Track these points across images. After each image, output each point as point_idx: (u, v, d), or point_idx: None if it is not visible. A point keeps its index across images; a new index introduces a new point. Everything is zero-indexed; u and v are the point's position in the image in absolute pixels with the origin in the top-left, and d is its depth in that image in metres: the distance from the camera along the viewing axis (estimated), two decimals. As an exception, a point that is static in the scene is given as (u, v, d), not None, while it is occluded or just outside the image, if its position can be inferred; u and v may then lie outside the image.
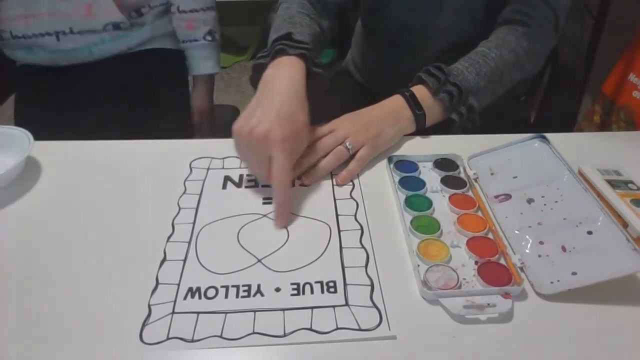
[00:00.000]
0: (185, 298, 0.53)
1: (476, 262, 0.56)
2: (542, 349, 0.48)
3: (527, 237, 0.59)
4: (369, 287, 0.54)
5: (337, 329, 0.49)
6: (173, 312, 0.51)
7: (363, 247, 0.59)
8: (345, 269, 0.56)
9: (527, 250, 0.57)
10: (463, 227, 0.61)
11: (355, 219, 0.63)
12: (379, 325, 0.50)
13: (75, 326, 0.50)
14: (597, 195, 0.67)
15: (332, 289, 0.54)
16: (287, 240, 0.60)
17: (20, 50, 1.02)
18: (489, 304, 0.51)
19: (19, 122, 0.72)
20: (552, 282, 0.53)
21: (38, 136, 0.71)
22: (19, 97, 1.09)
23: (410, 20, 0.90)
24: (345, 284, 0.54)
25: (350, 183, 0.69)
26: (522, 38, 0.80)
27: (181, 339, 0.48)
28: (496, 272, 0.55)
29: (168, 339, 0.48)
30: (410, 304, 0.52)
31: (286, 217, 0.62)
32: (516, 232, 0.60)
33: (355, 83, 1.10)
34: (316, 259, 0.57)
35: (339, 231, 0.61)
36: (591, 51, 1.43)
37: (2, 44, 1.03)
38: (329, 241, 0.60)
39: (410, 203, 0.64)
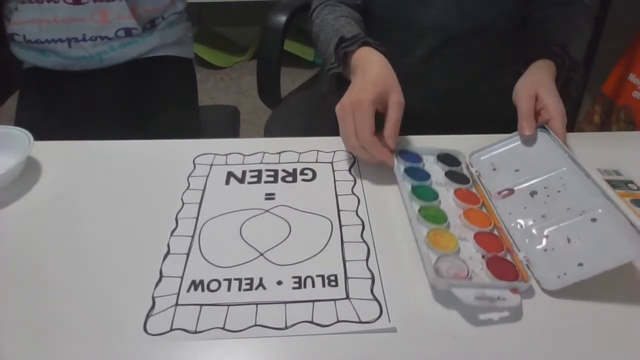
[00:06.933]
0: (188, 290, 0.53)
1: (483, 256, 0.57)
2: (541, 347, 0.49)
3: (532, 231, 0.59)
4: (370, 280, 0.55)
5: (338, 321, 0.50)
6: (176, 304, 0.52)
7: (364, 241, 0.60)
8: (347, 263, 0.57)
9: (532, 246, 0.58)
10: (469, 221, 0.61)
11: (357, 214, 0.64)
12: (379, 317, 0.50)
13: (80, 318, 0.51)
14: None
15: (333, 283, 0.54)
16: (289, 235, 0.61)
17: (33, 52, 1.03)
18: (499, 298, 0.51)
19: (21, 125, 0.72)
20: (558, 277, 0.53)
21: (41, 139, 0.72)
22: (22, 100, 1.09)
23: (399, 17, 0.91)
24: (346, 277, 0.55)
25: (352, 179, 0.70)
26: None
27: (184, 330, 0.49)
28: (503, 267, 0.55)
29: (172, 330, 0.49)
30: (410, 297, 0.53)
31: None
32: (520, 227, 0.60)
33: None
34: (318, 253, 0.58)
35: (341, 226, 0.62)
36: (591, 51, 1.43)
37: (14, 45, 1.04)
38: (331, 235, 0.61)
39: (417, 193, 0.65)
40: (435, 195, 0.65)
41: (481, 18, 0.87)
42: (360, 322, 0.50)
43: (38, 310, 0.52)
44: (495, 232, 0.60)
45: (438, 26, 0.89)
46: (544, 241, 0.57)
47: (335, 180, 0.70)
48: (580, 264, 0.53)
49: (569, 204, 0.59)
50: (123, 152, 0.76)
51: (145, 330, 0.49)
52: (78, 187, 0.69)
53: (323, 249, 0.59)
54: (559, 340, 0.49)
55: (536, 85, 0.73)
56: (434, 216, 0.61)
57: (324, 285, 0.54)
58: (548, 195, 0.62)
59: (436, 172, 0.70)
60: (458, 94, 0.94)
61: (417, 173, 0.69)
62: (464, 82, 0.94)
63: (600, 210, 0.56)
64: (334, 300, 0.52)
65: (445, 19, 0.88)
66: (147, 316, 0.51)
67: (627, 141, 0.84)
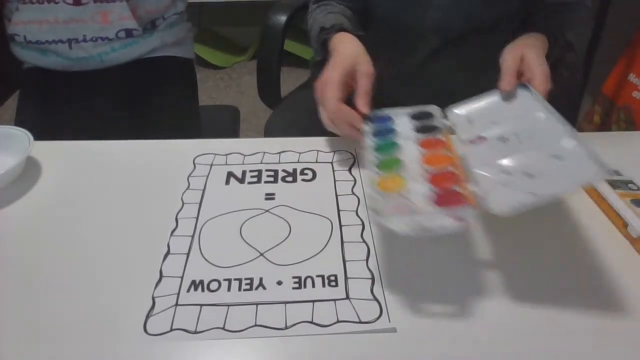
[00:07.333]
0: (188, 290, 0.53)
1: (435, 193, 0.55)
2: (542, 346, 0.49)
3: (495, 169, 0.58)
4: (370, 281, 0.55)
5: (338, 322, 0.50)
6: (176, 304, 0.52)
7: (364, 241, 0.60)
8: (347, 263, 0.57)
9: (491, 180, 0.56)
10: (428, 164, 0.60)
11: (357, 214, 0.64)
12: (379, 317, 0.50)
13: (80, 318, 0.51)
14: (596, 197, 0.67)
15: (333, 283, 0.54)
16: (289, 235, 0.61)
17: (34, 52, 1.03)
18: (438, 225, 0.51)
19: (21, 125, 0.72)
20: (513, 205, 0.51)
21: (41, 139, 0.72)
22: (22, 100, 1.09)
23: (400, 19, 0.91)
24: (346, 278, 0.55)
25: (352, 179, 0.70)
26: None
27: (184, 330, 0.49)
28: (451, 198, 0.54)
29: (172, 330, 0.49)
30: (410, 297, 0.53)
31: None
32: (485, 165, 0.59)
33: None
34: (317, 253, 0.58)
35: (341, 226, 0.62)
36: (591, 51, 1.44)
37: (15, 45, 1.04)
38: (331, 236, 0.61)
39: (379, 149, 0.64)
40: (396, 147, 0.64)
41: (482, 20, 0.87)
42: (360, 322, 0.50)
43: (38, 310, 0.52)
44: (453, 169, 0.58)
45: (439, 28, 0.89)
46: (505, 176, 0.56)
47: (335, 180, 0.70)
48: (537, 193, 0.51)
49: (538, 146, 0.59)
50: (123, 152, 0.76)
51: (145, 330, 0.49)
52: (78, 187, 0.69)
53: (323, 249, 0.59)
54: (559, 340, 0.49)
55: (523, 47, 0.74)
56: (389, 165, 0.60)
57: (324, 285, 0.54)
58: (520, 142, 0.61)
59: (407, 128, 0.68)
60: (459, 95, 0.94)
61: (384, 132, 0.68)
62: (465, 83, 0.94)
63: (566, 148, 0.55)
64: (334, 300, 0.52)
65: (446, 21, 0.88)
66: (147, 316, 0.51)
67: (627, 141, 0.84)
